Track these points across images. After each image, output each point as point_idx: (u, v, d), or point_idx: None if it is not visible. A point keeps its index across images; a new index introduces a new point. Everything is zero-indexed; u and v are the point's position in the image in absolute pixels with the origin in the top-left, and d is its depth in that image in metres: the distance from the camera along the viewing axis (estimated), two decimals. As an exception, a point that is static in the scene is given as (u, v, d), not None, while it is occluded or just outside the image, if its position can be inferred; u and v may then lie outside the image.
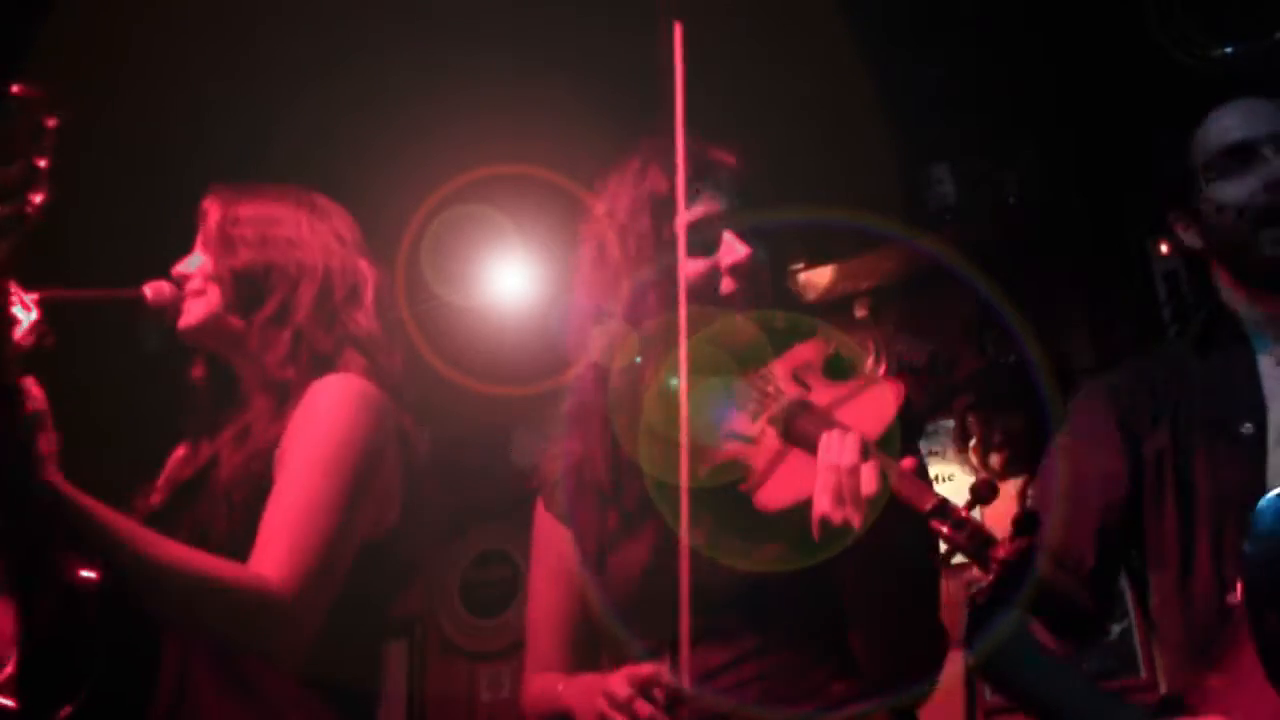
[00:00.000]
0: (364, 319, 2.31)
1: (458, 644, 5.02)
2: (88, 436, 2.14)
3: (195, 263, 2.30)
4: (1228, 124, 2.12)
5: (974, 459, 4.34)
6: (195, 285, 2.28)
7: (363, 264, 2.37)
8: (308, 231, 2.34)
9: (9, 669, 2.03)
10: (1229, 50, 3.22)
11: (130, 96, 3.24)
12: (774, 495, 1.80)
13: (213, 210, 2.32)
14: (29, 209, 1.81)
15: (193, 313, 2.27)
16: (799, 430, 1.79)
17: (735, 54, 3.34)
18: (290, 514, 2.03)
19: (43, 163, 1.87)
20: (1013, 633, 2.05)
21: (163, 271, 2.33)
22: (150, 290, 2.29)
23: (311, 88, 3.46)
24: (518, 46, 3.48)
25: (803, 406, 1.82)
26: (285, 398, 2.20)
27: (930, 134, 3.85)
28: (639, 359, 2.03)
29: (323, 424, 2.11)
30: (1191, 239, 2.16)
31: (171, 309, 2.30)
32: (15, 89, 1.82)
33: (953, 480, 4.55)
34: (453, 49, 3.46)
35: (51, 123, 1.88)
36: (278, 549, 1.99)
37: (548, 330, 2.39)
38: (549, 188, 3.48)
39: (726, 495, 1.84)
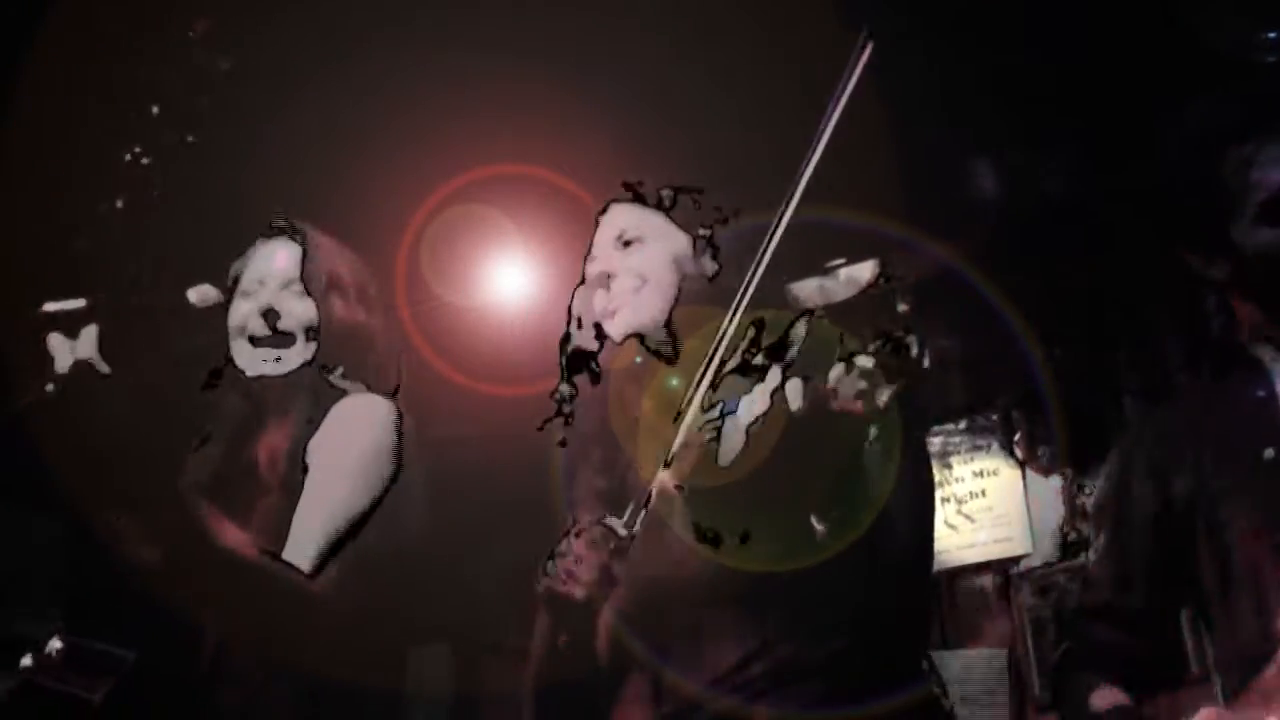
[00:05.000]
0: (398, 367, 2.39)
1: (501, 643, 4.98)
2: (128, 435, 2.17)
3: (290, 306, 2.36)
4: None
5: (1019, 453, 4.33)
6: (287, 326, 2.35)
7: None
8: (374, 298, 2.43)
9: (59, 650, 2.08)
10: (1272, 36, 3.12)
11: (128, 96, 3.24)
12: None
13: (320, 262, 2.40)
14: (184, 143, 1.87)
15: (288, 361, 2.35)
16: None
17: (765, 40, 3.34)
18: (320, 514, 2.09)
19: (205, 101, 1.92)
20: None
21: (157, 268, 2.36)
22: (195, 295, 2.33)
23: (311, 88, 3.45)
24: (518, 46, 3.48)
25: None
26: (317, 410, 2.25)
27: (972, 129, 3.83)
28: (639, 359, 2.04)
29: (350, 436, 2.17)
30: (1217, 270, 2.10)
31: (214, 312, 2.35)
32: (199, 26, 1.85)
33: (997, 475, 4.54)
34: (453, 49, 3.46)
35: (224, 65, 1.93)
36: (309, 542, 2.06)
37: (547, 330, 2.40)
38: (549, 188, 3.48)
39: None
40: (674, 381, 1.98)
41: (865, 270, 4.20)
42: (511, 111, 3.51)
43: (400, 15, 3.37)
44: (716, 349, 1.84)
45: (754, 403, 1.77)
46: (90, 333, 2.11)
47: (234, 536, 2.17)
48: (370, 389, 2.29)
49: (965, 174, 3.99)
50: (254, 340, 2.35)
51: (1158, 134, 2.23)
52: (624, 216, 2.10)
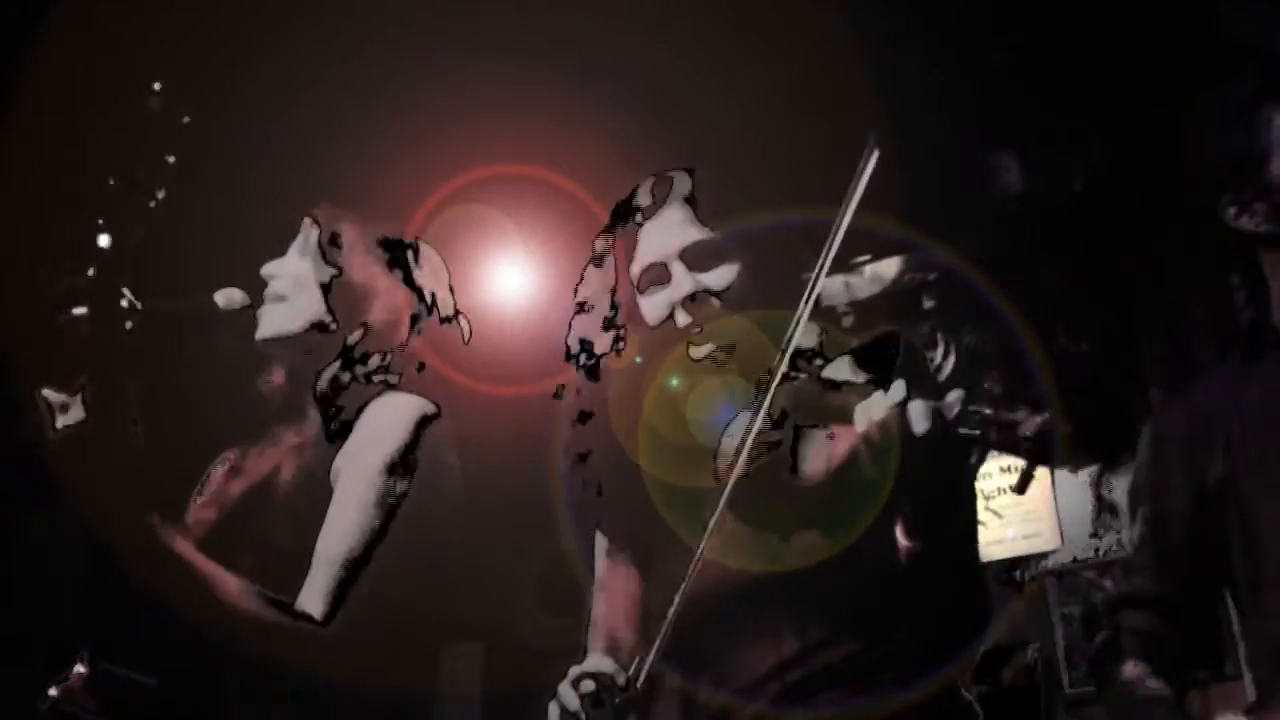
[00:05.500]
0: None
1: (532, 644, 4.98)
2: (159, 439, 2.14)
3: (289, 267, 2.29)
4: None
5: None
6: (281, 289, 2.26)
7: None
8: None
9: (82, 675, 2.04)
10: None
11: (128, 97, 3.24)
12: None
13: (320, 221, 2.33)
14: (153, 202, 1.84)
15: (288, 319, 2.26)
16: None
17: (764, 40, 3.34)
18: (336, 543, 2.02)
19: (170, 159, 1.90)
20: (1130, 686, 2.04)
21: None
22: (222, 297, 2.27)
23: (311, 87, 3.45)
24: (518, 47, 3.48)
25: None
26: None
27: (996, 122, 3.82)
28: (639, 359, 2.03)
29: (378, 442, 2.11)
30: (1251, 220, 2.08)
31: (243, 315, 2.29)
32: (157, 86, 1.84)
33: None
34: (453, 49, 3.46)
35: (185, 119, 1.90)
36: (321, 584, 1.99)
37: (548, 330, 2.39)
38: (549, 188, 3.47)
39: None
40: (674, 382, 1.98)
41: (891, 266, 4.17)
42: (511, 111, 3.51)
43: (401, 16, 3.37)
44: (782, 358, 1.80)
45: (871, 410, 1.71)
46: (77, 402, 2.05)
47: (234, 588, 2.07)
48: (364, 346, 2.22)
49: (986, 169, 3.98)
50: (273, 298, 2.30)
51: (1189, 102, 2.21)
52: (652, 239, 2.08)
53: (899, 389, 1.66)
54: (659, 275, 2.01)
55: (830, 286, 2.06)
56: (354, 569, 2.06)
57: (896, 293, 4.19)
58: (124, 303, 2.16)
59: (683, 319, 1.98)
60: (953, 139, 3.68)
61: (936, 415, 1.65)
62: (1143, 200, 3.86)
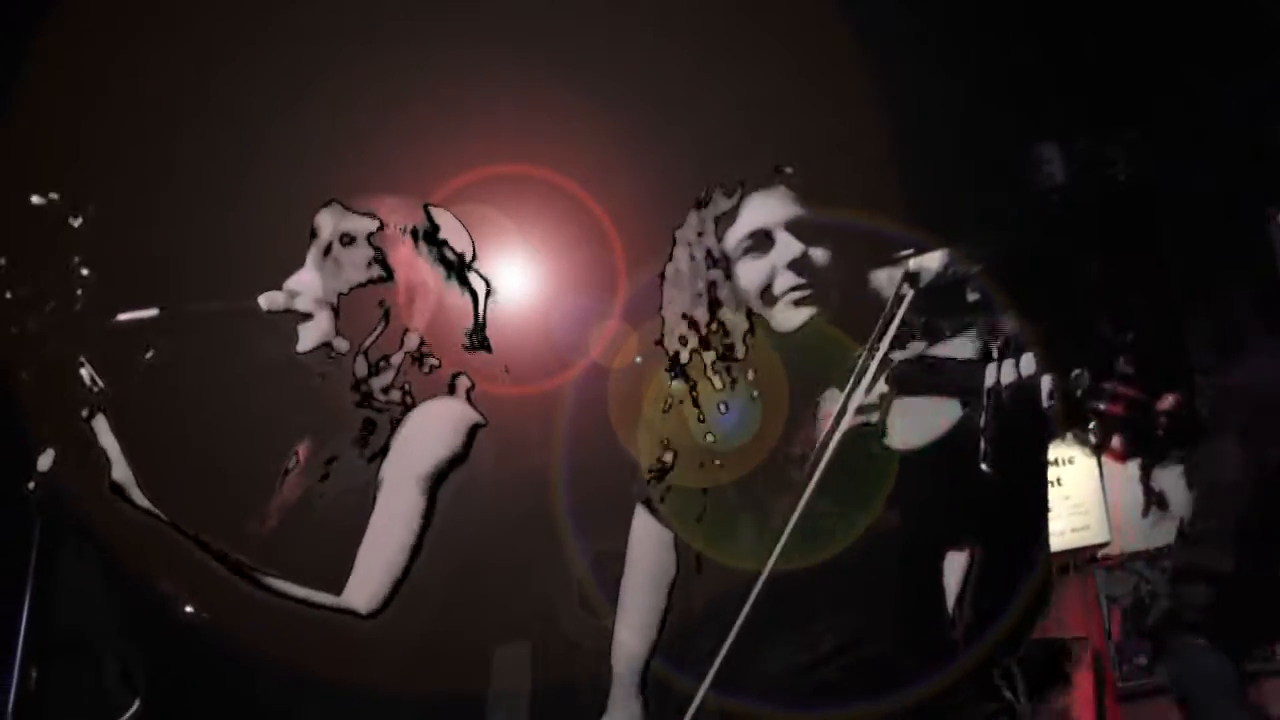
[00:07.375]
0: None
1: (578, 642, 4.96)
2: (202, 449, 2.11)
3: (304, 282, 2.19)
4: None
5: (1094, 440, 4.28)
6: (304, 306, 2.18)
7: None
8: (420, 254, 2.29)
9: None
10: None
11: (128, 95, 3.23)
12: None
13: (325, 226, 2.22)
14: (76, 305, 1.81)
15: (304, 339, 2.17)
16: None
17: (764, 39, 3.34)
18: (382, 541, 1.98)
19: (78, 260, 1.86)
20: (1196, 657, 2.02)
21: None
22: (265, 300, 2.17)
23: (312, 89, 3.45)
24: (518, 46, 3.48)
25: None
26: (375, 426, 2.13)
27: (1037, 114, 3.80)
28: (639, 359, 2.03)
29: (420, 449, 2.06)
30: None
31: (286, 319, 2.20)
32: (35, 199, 1.81)
33: (1073, 463, 4.46)
34: (453, 49, 3.46)
35: (76, 222, 1.86)
36: (370, 579, 1.96)
37: (548, 330, 2.39)
38: (549, 188, 3.47)
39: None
40: (674, 383, 1.98)
41: (935, 260, 4.14)
42: (511, 111, 3.51)
43: (400, 16, 3.37)
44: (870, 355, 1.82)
45: (1003, 375, 1.76)
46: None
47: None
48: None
49: (1027, 157, 3.96)
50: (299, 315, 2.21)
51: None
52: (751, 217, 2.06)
53: (1029, 361, 1.69)
54: (762, 242, 2.00)
55: (875, 281, 2.06)
56: (407, 565, 2.01)
57: (941, 287, 4.15)
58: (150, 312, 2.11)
59: (783, 281, 1.96)
60: (991, 132, 3.67)
61: (1066, 391, 1.66)
62: (1185, 188, 3.83)
